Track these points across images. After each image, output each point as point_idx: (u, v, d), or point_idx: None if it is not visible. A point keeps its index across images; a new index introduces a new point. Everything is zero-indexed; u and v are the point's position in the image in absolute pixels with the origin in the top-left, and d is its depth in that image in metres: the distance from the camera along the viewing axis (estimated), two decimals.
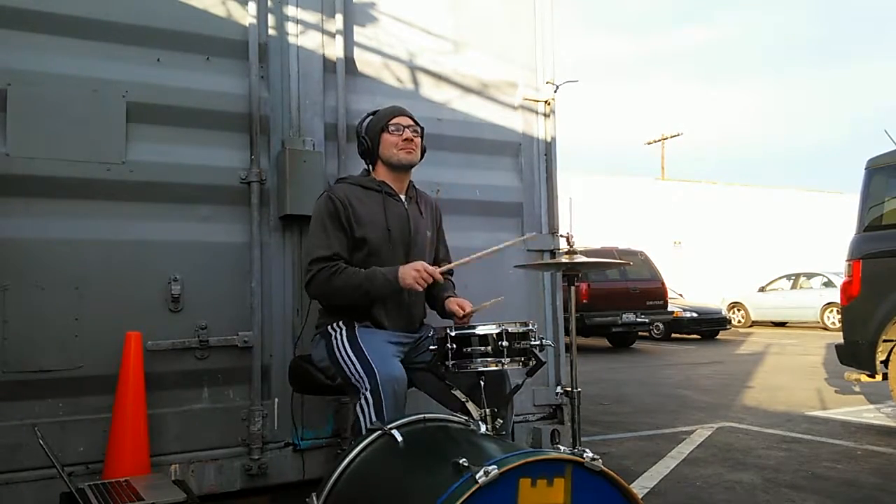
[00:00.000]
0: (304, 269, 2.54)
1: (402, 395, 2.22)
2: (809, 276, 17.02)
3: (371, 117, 2.61)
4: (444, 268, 2.50)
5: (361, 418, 2.17)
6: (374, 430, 1.89)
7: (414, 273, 2.35)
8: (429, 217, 2.70)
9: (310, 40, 3.07)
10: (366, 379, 2.22)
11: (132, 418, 2.50)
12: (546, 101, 3.65)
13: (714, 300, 16.88)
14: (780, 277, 17.63)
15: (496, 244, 3.37)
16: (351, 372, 2.28)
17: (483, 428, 1.93)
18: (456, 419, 1.98)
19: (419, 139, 2.59)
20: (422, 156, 2.64)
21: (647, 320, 12.25)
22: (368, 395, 2.18)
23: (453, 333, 2.14)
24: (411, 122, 2.58)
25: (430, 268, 2.39)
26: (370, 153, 2.59)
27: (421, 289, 2.39)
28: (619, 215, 20.75)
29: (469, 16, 3.50)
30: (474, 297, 2.57)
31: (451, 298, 2.55)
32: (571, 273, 2.44)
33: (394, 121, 2.55)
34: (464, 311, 2.45)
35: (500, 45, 3.56)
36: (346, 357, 2.32)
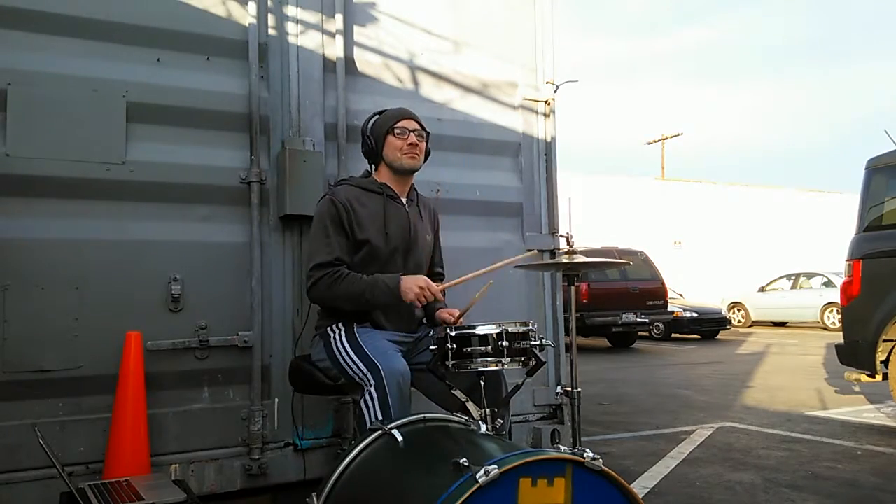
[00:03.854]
0: (305, 273, 2.54)
1: (406, 390, 2.22)
2: (809, 276, 17.02)
3: (377, 117, 2.60)
4: (444, 286, 2.47)
5: (366, 414, 2.17)
6: (374, 430, 1.89)
7: (417, 290, 2.34)
8: (428, 221, 2.70)
9: (310, 40, 3.07)
10: (369, 375, 2.22)
11: (132, 418, 2.50)
12: (546, 101, 3.65)
13: (714, 300, 16.88)
14: (780, 277, 17.63)
15: (496, 244, 3.42)
16: (354, 371, 2.28)
17: (483, 428, 1.93)
18: (456, 419, 1.98)
19: (424, 143, 2.58)
20: (426, 158, 2.63)
21: (647, 320, 12.25)
22: (373, 391, 2.18)
23: (453, 333, 2.14)
24: (417, 127, 2.56)
25: (434, 287, 2.37)
26: (374, 154, 2.59)
27: (420, 306, 2.40)
28: (619, 215, 20.75)
29: (469, 16, 3.50)
30: (473, 295, 2.56)
31: (441, 310, 2.55)
32: (571, 273, 2.44)
33: (399, 124, 2.53)
34: (453, 317, 2.42)
35: (500, 45, 3.56)
36: (347, 356, 2.32)
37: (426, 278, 2.41)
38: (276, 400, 2.88)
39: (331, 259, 2.40)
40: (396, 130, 2.52)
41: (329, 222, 2.44)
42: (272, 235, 2.94)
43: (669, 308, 12.92)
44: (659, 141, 27.19)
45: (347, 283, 2.38)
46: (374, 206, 2.51)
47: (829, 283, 15.65)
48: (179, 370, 2.73)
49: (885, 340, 4.81)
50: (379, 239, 2.48)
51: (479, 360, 2.12)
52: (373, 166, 2.64)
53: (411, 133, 2.53)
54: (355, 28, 3.19)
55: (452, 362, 2.13)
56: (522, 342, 2.17)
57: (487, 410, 2.11)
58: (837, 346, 5.30)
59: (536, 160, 3.63)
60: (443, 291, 2.56)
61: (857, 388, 6.26)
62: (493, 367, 2.13)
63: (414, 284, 2.35)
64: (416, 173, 2.64)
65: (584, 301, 11.32)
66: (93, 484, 2.18)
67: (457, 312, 2.44)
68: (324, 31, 3.10)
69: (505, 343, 2.12)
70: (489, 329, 2.14)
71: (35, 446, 2.23)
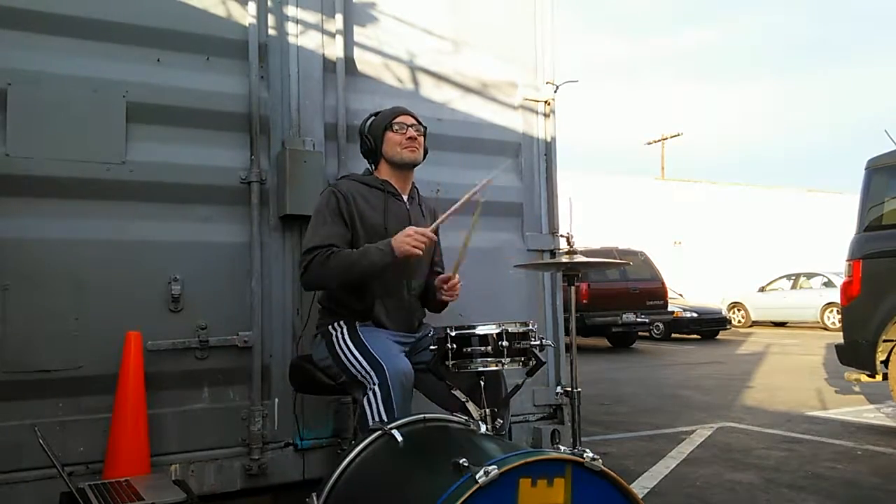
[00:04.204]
0: (300, 260, 2.53)
1: (409, 390, 2.22)
2: (809, 276, 17.03)
3: (374, 117, 2.61)
4: (434, 225, 2.45)
5: (368, 412, 2.16)
6: (374, 430, 1.89)
7: (407, 239, 2.31)
8: (429, 219, 2.70)
9: (310, 40, 3.07)
10: (373, 374, 2.21)
11: (132, 418, 2.50)
12: (546, 101, 3.65)
13: (714, 300, 16.88)
14: (780, 277, 17.63)
15: (496, 244, 3.42)
16: (357, 369, 2.28)
17: (483, 428, 1.93)
18: (456, 419, 1.98)
19: (422, 138, 2.60)
20: (424, 155, 2.64)
21: (647, 320, 12.25)
22: (377, 389, 2.17)
23: (453, 333, 2.14)
24: (414, 122, 2.58)
25: (422, 229, 2.35)
26: (373, 152, 2.59)
27: (421, 252, 2.34)
28: (619, 215, 20.75)
29: (469, 16, 3.50)
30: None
31: (437, 278, 2.57)
32: (571, 273, 2.44)
33: (397, 119, 2.55)
34: (449, 279, 2.48)
35: (500, 45, 3.56)
36: (349, 354, 2.32)
37: (412, 227, 2.37)
38: (276, 400, 2.88)
39: (324, 243, 2.39)
40: (395, 126, 2.54)
41: (327, 212, 2.45)
42: (272, 235, 2.94)
43: (669, 308, 12.93)
44: (659, 141, 27.19)
45: (340, 257, 2.36)
46: (376, 201, 2.52)
47: (829, 283, 15.65)
48: (179, 370, 2.73)
49: (885, 340, 4.80)
50: (379, 235, 2.48)
51: (479, 360, 2.12)
52: (373, 165, 2.65)
53: (409, 128, 2.55)
54: (355, 28, 3.19)
55: (452, 362, 2.13)
56: (522, 342, 2.17)
57: (487, 410, 2.11)
58: (837, 346, 5.30)
59: (536, 160, 3.63)
60: (439, 268, 2.57)
61: (857, 388, 6.25)
62: (493, 367, 2.13)
63: (403, 237, 2.32)
64: (415, 169, 2.64)
65: (584, 301, 11.31)
66: (93, 484, 2.18)
67: (450, 273, 2.49)
68: (324, 31, 3.10)
69: (505, 343, 2.12)
70: (489, 329, 2.14)
71: (35, 446, 2.22)
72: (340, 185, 2.52)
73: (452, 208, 2.38)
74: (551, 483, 1.47)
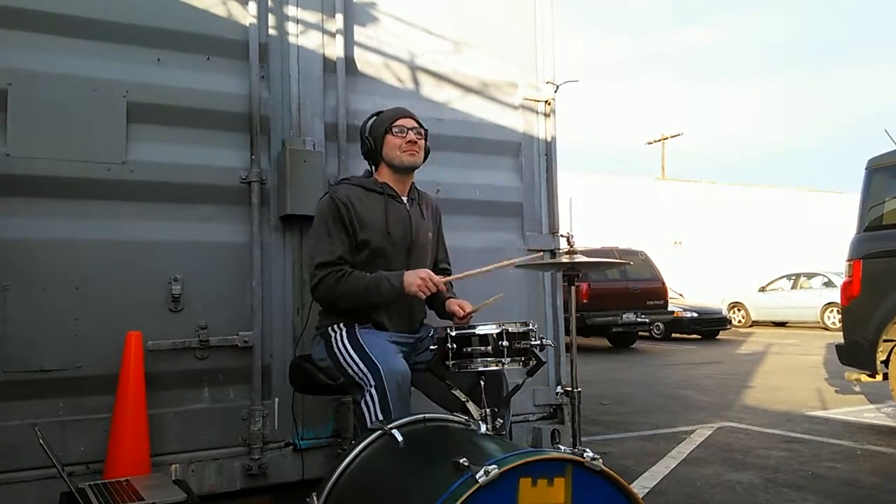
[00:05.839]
0: (308, 272, 2.54)
1: (406, 391, 2.23)
2: (809, 276, 17.03)
3: (375, 118, 2.61)
4: (448, 278, 2.52)
5: (366, 415, 2.17)
6: (374, 430, 1.89)
7: (419, 281, 2.35)
8: (430, 218, 2.70)
9: (310, 40, 3.07)
10: (370, 376, 2.22)
11: (132, 418, 2.50)
12: (546, 101, 3.65)
13: (714, 300, 16.87)
14: (780, 277, 17.64)
15: (496, 244, 3.42)
16: (354, 371, 2.29)
17: (483, 428, 1.93)
18: (456, 419, 1.98)
19: (423, 141, 2.59)
20: (425, 157, 2.64)
21: (647, 320, 12.25)
22: (373, 391, 2.19)
23: (454, 333, 2.14)
24: (415, 125, 2.57)
25: (436, 278, 2.39)
26: (373, 154, 2.59)
27: (424, 297, 2.40)
28: (619, 215, 20.75)
29: (469, 16, 3.50)
30: (474, 296, 2.57)
31: (451, 299, 2.56)
32: (571, 273, 2.44)
33: (397, 122, 2.54)
34: (464, 311, 2.46)
35: (500, 45, 3.56)
36: (347, 356, 2.33)
37: (428, 270, 2.42)
38: (277, 400, 2.88)
39: (333, 258, 2.41)
40: (395, 129, 2.53)
41: (330, 220, 2.45)
42: (272, 235, 2.94)
43: (670, 308, 12.93)
44: (659, 141, 27.19)
45: (351, 282, 2.38)
46: (375, 205, 2.52)
47: (829, 283, 15.65)
48: (180, 370, 2.73)
49: (885, 340, 4.80)
50: (381, 239, 2.48)
51: (479, 359, 2.12)
52: (373, 167, 2.65)
53: (409, 131, 2.54)
54: (355, 28, 3.19)
55: (453, 362, 2.13)
56: (522, 342, 2.17)
57: (487, 410, 2.11)
58: (838, 346, 5.30)
59: (536, 160, 3.64)
60: (447, 283, 2.59)
61: (857, 388, 6.25)
62: (494, 367, 2.13)
63: (416, 277, 2.37)
64: (415, 171, 2.64)
65: (585, 301, 11.31)
66: (93, 484, 2.18)
67: (468, 307, 2.47)
68: (324, 31, 3.10)
69: (505, 343, 2.12)
70: (489, 329, 2.14)
71: (35, 446, 2.23)
72: (339, 191, 2.51)
73: (469, 273, 2.44)
74: (551, 482, 1.47)
